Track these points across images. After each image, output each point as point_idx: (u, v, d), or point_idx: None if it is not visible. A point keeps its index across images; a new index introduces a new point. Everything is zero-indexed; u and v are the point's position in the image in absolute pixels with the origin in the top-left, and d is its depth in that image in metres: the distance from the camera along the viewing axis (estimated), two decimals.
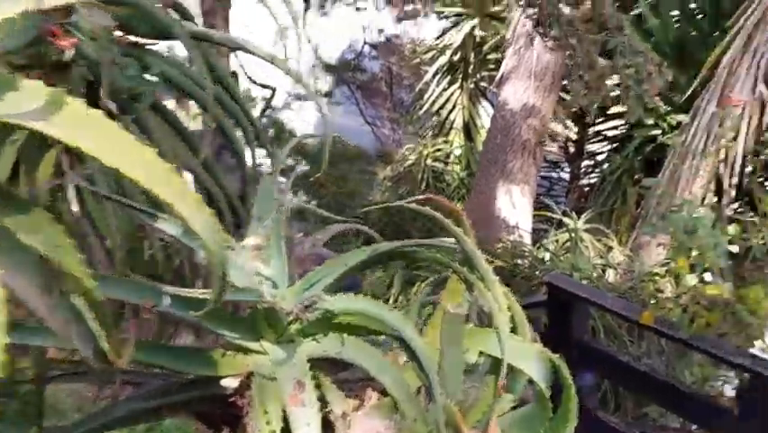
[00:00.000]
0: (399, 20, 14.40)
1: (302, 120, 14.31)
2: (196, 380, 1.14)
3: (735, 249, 3.04)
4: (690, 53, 4.21)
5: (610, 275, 4.40)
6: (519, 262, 4.53)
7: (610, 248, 4.80)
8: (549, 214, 5.09)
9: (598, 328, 4.03)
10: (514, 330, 1.18)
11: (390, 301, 4.74)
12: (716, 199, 4.41)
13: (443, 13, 7.46)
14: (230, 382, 1.10)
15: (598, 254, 4.68)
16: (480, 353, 1.26)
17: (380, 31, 13.64)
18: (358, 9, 12.55)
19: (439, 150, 6.21)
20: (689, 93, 4.07)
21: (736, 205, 4.17)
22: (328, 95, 14.19)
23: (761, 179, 4.52)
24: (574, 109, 6.21)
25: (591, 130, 5.88)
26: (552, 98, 4.78)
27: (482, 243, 4.51)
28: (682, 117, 3.02)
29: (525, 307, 3.51)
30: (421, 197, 1.15)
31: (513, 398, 1.13)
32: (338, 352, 1.11)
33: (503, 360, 0.99)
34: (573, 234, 4.48)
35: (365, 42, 12.90)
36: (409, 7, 13.97)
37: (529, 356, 1.07)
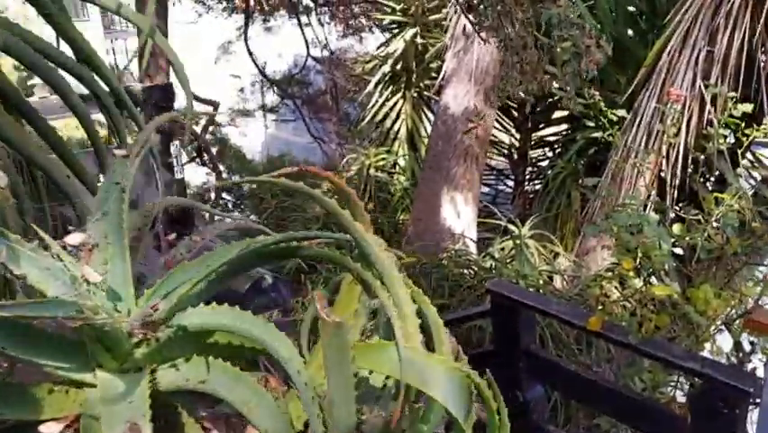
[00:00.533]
0: (344, 35, 14.28)
1: (241, 133, 13.95)
2: (12, 427, 0.87)
3: (679, 250, 2.93)
4: (630, 53, 4.15)
5: (557, 282, 4.27)
6: (464, 271, 4.35)
7: (557, 254, 4.68)
8: (495, 222, 4.94)
9: (545, 337, 3.87)
10: (428, 343, 0.95)
11: None
12: (660, 199, 4.34)
13: (383, 21, 7.32)
14: (50, 429, 0.83)
15: (545, 261, 4.54)
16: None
17: (325, 45, 13.46)
18: (300, 24, 12.33)
19: (383, 159, 6.01)
20: (630, 92, 3.99)
21: (680, 204, 4.09)
22: (273, 109, 13.90)
23: (703, 179, 4.48)
24: (516, 115, 6.13)
25: (535, 136, 5.80)
26: (493, 101, 4.65)
27: (426, 253, 4.25)
28: (623, 113, 2.92)
29: (469, 317, 3.26)
30: (293, 169, 0.91)
31: (426, 430, 0.89)
32: (202, 381, 0.86)
33: (401, 381, 0.75)
34: (518, 242, 4.32)
35: (308, 56, 12.67)
36: (353, 22, 13.88)
37: (437, 376, 0.83)
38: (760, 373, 2.40)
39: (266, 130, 26.04)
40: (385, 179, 5.85)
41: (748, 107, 2.70)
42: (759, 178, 4.71)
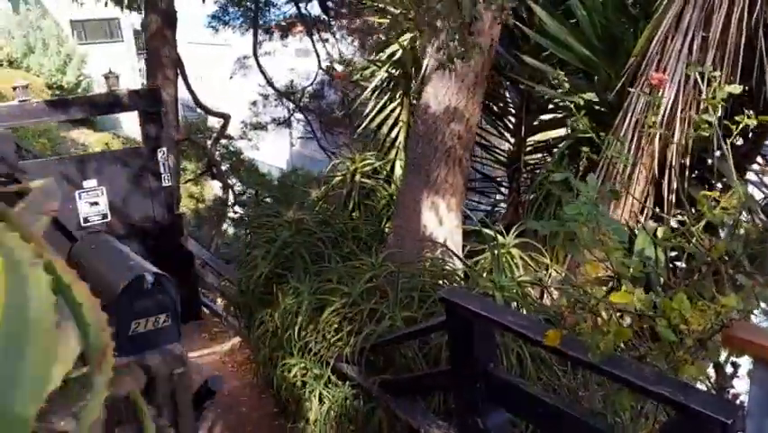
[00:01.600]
0: (363, 50, 14.12)
1: (253, 147, 13.83)
2: None
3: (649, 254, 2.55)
4: (622, 44, 3.77)
5: (540, 293, 3.87)
6: (440, 282, 3.99)
7: (547, 266, 4.27)
8: (482, 229, 4.56)
9: (524, 356, 3.47)
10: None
11: (296, 331, 4.16)
12: (658, 207, 3.93)
13: (382, 25, 7.06)
14: None
15: (534, 272, 4.14)
16: None
17: (341, 60, 13.34)
18: (311, 39, 12.24)
19: (369, 164, 5.68)
20: (620, 86, 3.61)
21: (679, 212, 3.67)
22: (286, 122, 13.78)
23: (708, 185, 4.04)
24: (513, 120, 5.77)
25: (531, 140, 5.42)
26: (476, 99, 4.31)
27: (404, 262, 3.85)
28: (592, 95, 2.55)
29: (424, 331, 2.88)
30: None
31: None
32: None
33: None
34: (495, 251, 3.94)
35: (319, 68, 12.55)
36: (374, 37, 13.73)
37: None
38: (744, 399, 1.99)
39: (291, 147, 26.12)
40: (371, 186, 5.52)
41: (737, 89, 2.31)
42: None
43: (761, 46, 2.96)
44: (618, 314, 2.32)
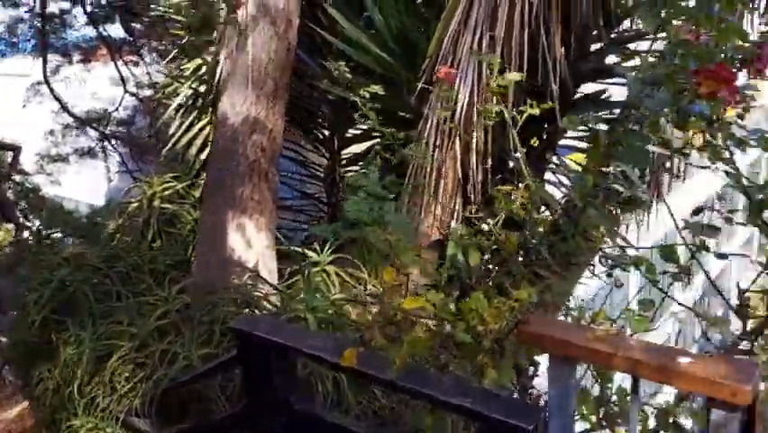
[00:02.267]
0: (173, 69, 13.25)
1: (55, 182, 12.31)
2: None
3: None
4: (417, 46, 3.72)
5: (355, 311, 3.63)
6: (247, 311, 3.58)
7: (366, 281, 4.05)
8: (292, 249, 4.24)
9: (340, 380, 3.18)
10: None
11: (77, 386, 3.50)
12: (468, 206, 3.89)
13: (183, 39, 6.54)
14: None
15: (350, 289, 3.89)
16: None
17: (150, 85, 12.37)
18: (115, 62, 11.21)
19: (170, 187, 5.12)
20: (420, 89, 3.53)
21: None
22: (90, 152, 12.42)
23: (512, 185, 4.10)
24: (326, 133, 5.58)
25: (346, 152, 5.26)
26: (278, 109, 4.00)
27: (209, 292, 3.33)
28: (379, 88, 2.40)
29: (215, 369, 2.41)
30: None
31: None
32: None
33: None
34: (306, 271, 3.64)
35: (126, 92, 11.52)
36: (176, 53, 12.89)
37: None
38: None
39: (109, 183, 23.93)
40: (174, 211, 4.96)
41: (517, 76, 2.25)
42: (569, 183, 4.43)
43: (542, 42, 3.01)
44: (434, 323, 2.12)
